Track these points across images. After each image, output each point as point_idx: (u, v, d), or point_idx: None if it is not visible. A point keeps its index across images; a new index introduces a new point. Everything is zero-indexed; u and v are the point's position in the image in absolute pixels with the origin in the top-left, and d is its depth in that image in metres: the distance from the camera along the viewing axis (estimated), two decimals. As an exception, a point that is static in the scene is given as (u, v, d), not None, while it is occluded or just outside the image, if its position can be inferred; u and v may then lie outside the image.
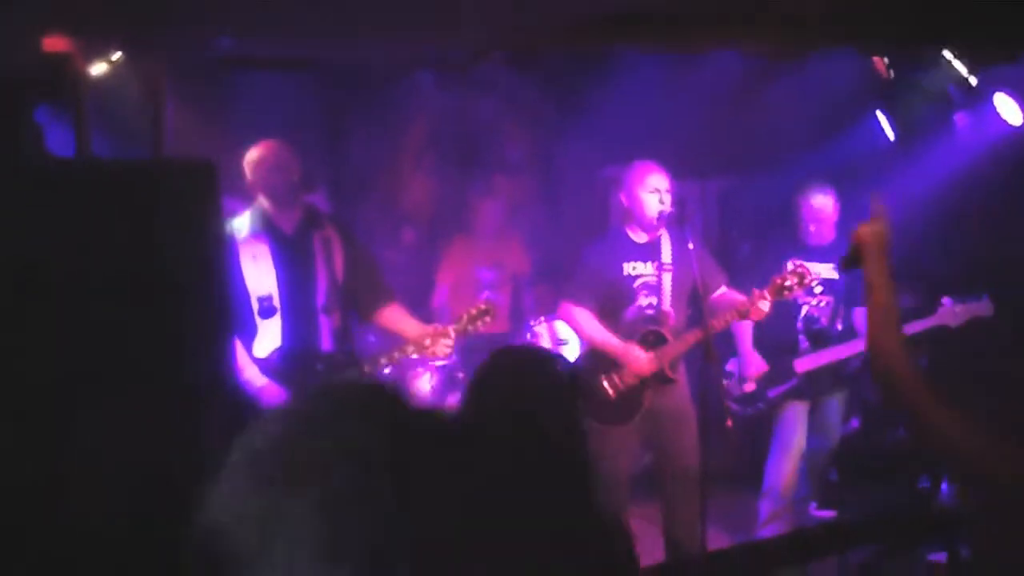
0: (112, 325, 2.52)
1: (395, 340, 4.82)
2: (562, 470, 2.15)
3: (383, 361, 4.70)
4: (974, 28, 5.45)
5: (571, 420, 2.29)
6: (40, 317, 2.46)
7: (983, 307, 5.34)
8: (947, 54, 5.91)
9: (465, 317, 4.73)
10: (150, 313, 2.58)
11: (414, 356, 4.74)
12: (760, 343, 5.50)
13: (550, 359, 2.49)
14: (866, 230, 2.81)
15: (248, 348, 4.50)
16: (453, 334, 4.66)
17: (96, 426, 2.41)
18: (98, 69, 4.87)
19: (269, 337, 4.53)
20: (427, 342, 4.64)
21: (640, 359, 4.94)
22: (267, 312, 4.53)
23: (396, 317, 4.82)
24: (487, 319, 4.73)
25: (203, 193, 2.61)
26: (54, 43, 4.28)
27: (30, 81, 3.59)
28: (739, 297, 5.05)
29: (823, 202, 5.49)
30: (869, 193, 3.01)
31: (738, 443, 5.19)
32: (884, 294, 2.65)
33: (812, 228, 5.49)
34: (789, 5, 5.02)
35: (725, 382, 5.49)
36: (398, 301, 4.87)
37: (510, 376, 2.36)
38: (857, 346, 5.42)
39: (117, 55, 4.96)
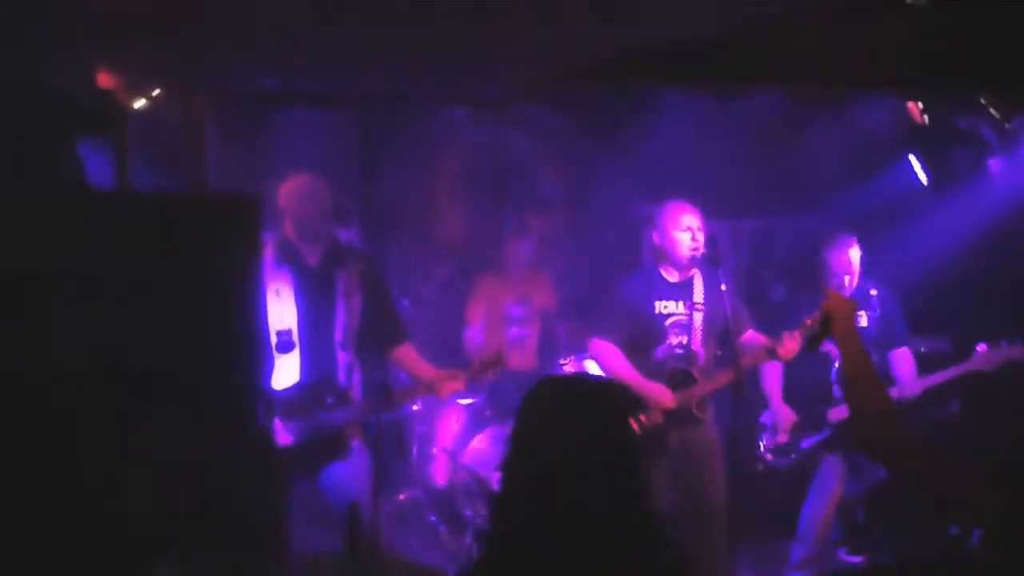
0: (149, 357, 2.55)
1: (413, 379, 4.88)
2: (621, 497, 2.16)
3: (398, 400, 4.71)
4: (1009, 73, 5.44)
5: (628, 446, 2.28)
6: (77, 348, 2.49)
7: (1018, 351, 5.30)
8: (982, 99, 5.90)
9: (477, 365, 4.76)
10: (187, 346, 2.61)
11: (425, 395, 4.78)
12: (793, 393, 5.48)
13: (607, 384, 2.49)
14: (833, 303, 2.80)
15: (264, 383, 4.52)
16: (465, 380, 4.70)
17: (129, 457, 2.43)
18: (140, 103, 4.94)
19: (286, 372, 4.55)
20: (437, 385, 4.67)
21: (664, 394, 4.93)
22: (285, 347, 4.55)
23: (409, 358, 4.85)
24: (498, 368, 4.76)
25: (246, 227, 2.64)
26: (99, 77, 4.36)
27: (73, 113, 3.64)
28: (765, 340, 5.04)
29: (848, 256, 5.45)
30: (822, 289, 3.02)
31: (767, 487, 5.15)
32: (859, 364, 2.65)
33: (838, 281, 5.44)
34: (825, 49, 5.04)
35: (759, 434, 5.48)
36: (412, 343, 4.89)
37: (564, 401, 2.35)
38: (893, 393, 5.38)
39: (159, 90, 5.03)
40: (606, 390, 2.38)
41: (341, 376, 4.63)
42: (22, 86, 2.90)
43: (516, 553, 2.17)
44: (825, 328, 2.81)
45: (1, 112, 2.80)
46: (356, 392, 4.63)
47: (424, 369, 4.78)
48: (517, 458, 2.28)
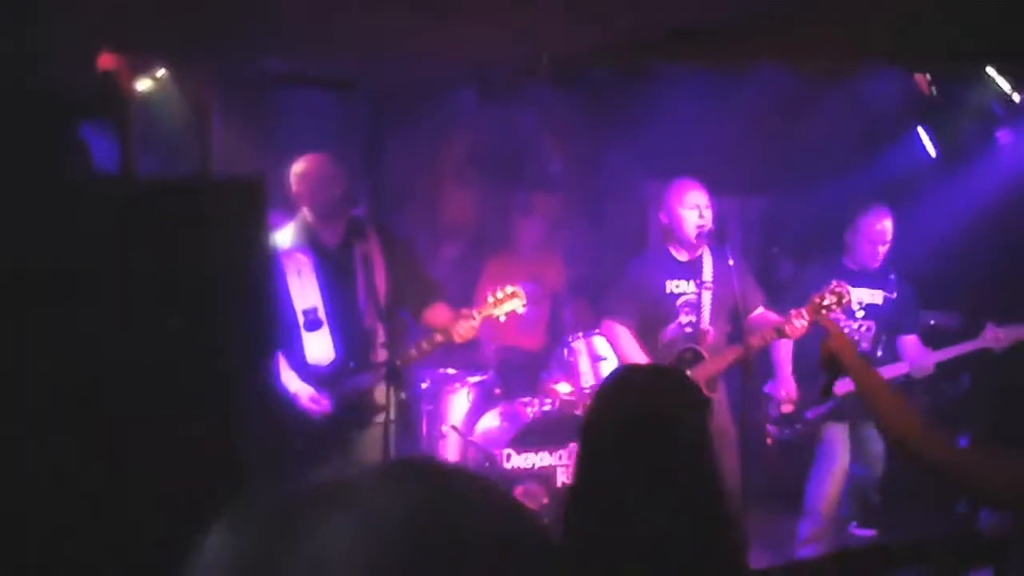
0: (157, 341, 2.55)
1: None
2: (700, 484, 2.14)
3: (413, 353, 4.69)
4: (1017, 45, 5.41)
5: (704, 435, 2.26)
6: (84, 332, 2.49)
7: None
8: (990, 71, 5.88)
9: (491, 300, 4.73)
10: (196, 329, 2.61)
11: (440, 341, 4.72)
12: (800, 365, 5.46)
13: (681, 375, 2.46)
14: (831, 342, 2.76)
15: (291, 361, 4.55)
16: (478, 316, 4.67)
17: (137, 439, 2.44)
18: (144, 86, 4.94)
19: (319, 349, 4.58)
20: (452, 328, 4.63)
21: None
22: (313, 325, 4.58)
23: (438, 313, 4.83)
24: (515, 302, 4.73)
25: (251, 210, 2.64)
26: (101, 60, 4.35)
27: (76, 97, 3.64)
28: (776, 317, 5.03)
29: (884, 224, 5.38)
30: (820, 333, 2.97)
31: (777, 462, 5.14)
32: (879, 391, 2.61)
33: (867, 248, 5.39)
34: (833, 23, 5.01)
35: (765, 405, 5.47)
36: (445, 301, 4.87)
37: (644, 388, 2.32)
38: (898, 369, 5.38)
39: (162, 72, 5.02)
40: (690, 387, 2.35)
41: (369, 347, 4.67)
42: (25, 71, 2.89)
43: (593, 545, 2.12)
44: (834, 368, 2.76)
45: (3, 97, 2.80)
46: (380, 359, 4.64)
47: (446, 318, 4.75)
48: (596, 454, 2.24)
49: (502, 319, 4.79)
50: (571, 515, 2.21)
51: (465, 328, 4.62)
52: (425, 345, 4.70)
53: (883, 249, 5.41)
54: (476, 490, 0.88)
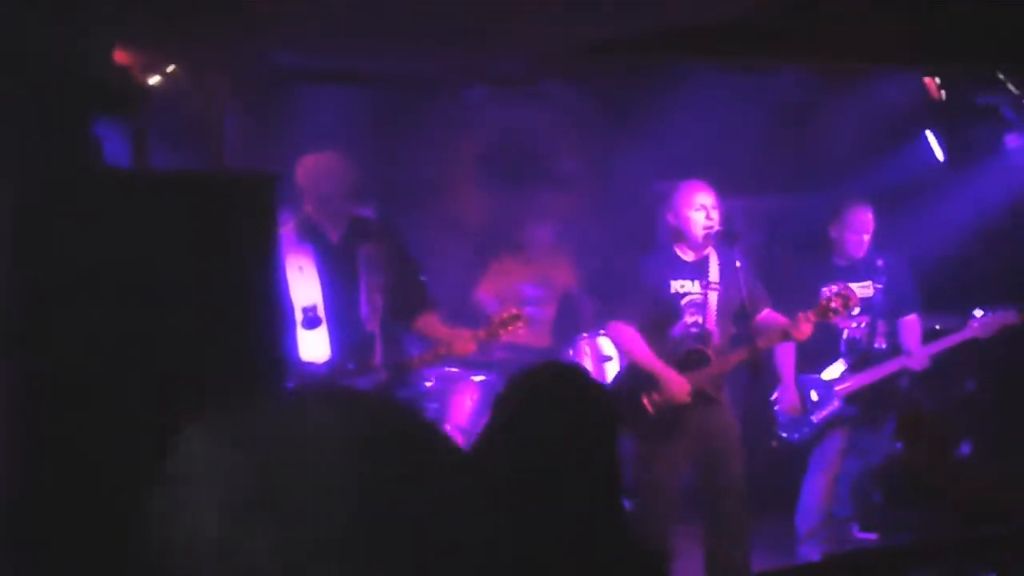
0: (167, 333, 2.56)
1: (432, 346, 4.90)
2: (590, 491, 2.16)
3: (415, 362, 4.75)
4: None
5: (604, 441, 2.26)
6: (96, 323, 2.51)
7: (1012, 316, 5.35)
8: (1000, 75, 5.88)
9: (496, 321, 4.78)
10: (206, 322, 2.62)
11: (442, 355, 4.79)
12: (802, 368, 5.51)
13: (582, 375, 2.47)
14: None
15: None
16: (482, 336, 4.72)
17: (147, 435, 2.45)
18: (158, 80, 4.95)
19: (315, 348, 4.57)
20: (453, 343, 4.70)
21: (677, 384, 4.92)
22: (312, 323, 4.57)
23: (431, 324, 4.87)
24: (517, 324, 4.77)
25: (264, 205, 2.66)
26: (115, 54, 4.36)
27: (90, 91, 3.65)
28: (782, 319, 5.05)
29: (866, 216, 5.47)
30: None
31: (781, 463, 5.16)
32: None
33: (852, 239, 5.46)
34: (844, 26, 5.02)
35: (773, 410, 5.51)
36: (437, 312, 4.92)
37: (538, 393, 2.34)
38: (899, 363, 5.42)
39: (174, 67, 5.04)
40: (594, 391, 2.37)
41: (367, 348, 4.67)
42: (45, 64, 2.91)
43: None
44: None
45: (24, 91, 2.82)
46: (377, 361, 4.66)
47: (443, 332, 4.80)
48: (492, 444, 2.27)
49: (504, 339, 4.88)
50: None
51: (468, 346, 4.76)
52: (427, 357, 4.77)
53: (867, 238, 5.48)
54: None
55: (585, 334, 6.19)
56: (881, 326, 5.51)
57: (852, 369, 5.47)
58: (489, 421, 2.31)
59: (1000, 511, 2.45)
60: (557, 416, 2.25)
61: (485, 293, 6.80)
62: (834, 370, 5.48)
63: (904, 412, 2.78)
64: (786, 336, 4.94)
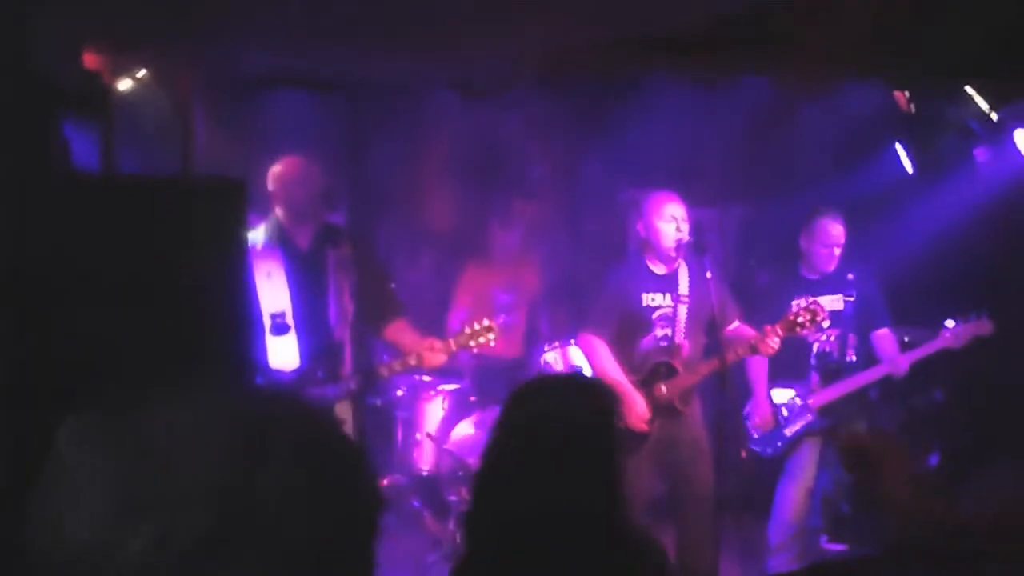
0: (134, 338, 2.53)
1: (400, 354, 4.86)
2: (594, 487, 2.17)
3: (383, 372, 4.72)
4: (996, 63, 5.46)
5: (610, 448, 2.28)
6: (61, 327, 2.47)
7: (983, 326, 5.37)
8: (969, 89, 5.92)
9: (467, 332, 4.76)
10: (174, 328, 2.59)
11: (413, 365, 4.76)
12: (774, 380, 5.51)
13: (590, 383, 2.50)
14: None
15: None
16: (454, 347, 4.69)
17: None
18: (126, 84, 4.91)
19: (283, 354, 4.53)
20: (423, 354, 4.66)
21: (637, 409, 4.92)
22: (280, 329, 4.53)
23: (401, 331, 4.84)
24: (489, 336, 4.75)
25: (232, 210, 2.63)
26: (84, 58, 4.33)
27: (59, 94, 3.62)
28: (751, 332, 5.05)
29: (837, 228, 5.44)
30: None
31: (752, 474, 5.15)
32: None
33: (822, 252, 5.43)
34: (813, 37, 5.04)
35: (745, 423, 5.50)
36: (407, 318, 4.89)
37: (547, 397, 2.36)
38: (871, 375, 5.43)
39: (143, 72, 5.00)
40: (594, 390, 2.39)
41: (336, 356, 4.63)
42: (8, 68, 2.88)
43: (497, 547, 2.17)
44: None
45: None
46: (347, 368, 4.62)
47: (413, 340, 4.77)
48: (500, 455, 2.28)
49: (475, 350, 4.84)
50: (476, 520, 2.27)
51: (437, 357, 4.69)
52: (397, 366, 4.73)
53: (838, 251, 5.46)
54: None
55: (557, 343, 6.17)
56: (851, 339, 5.51)
57: (823, 382, 5.47)
58: (497, 426, 2.32)
59: (965, 524, 2.45)
60: (559, 403, 2.30)
61: (461, 303, 6.77)
62: (783, 395, 5.47)
63: (845, 443, 2.77)
64: (754, 350, 4.95)
